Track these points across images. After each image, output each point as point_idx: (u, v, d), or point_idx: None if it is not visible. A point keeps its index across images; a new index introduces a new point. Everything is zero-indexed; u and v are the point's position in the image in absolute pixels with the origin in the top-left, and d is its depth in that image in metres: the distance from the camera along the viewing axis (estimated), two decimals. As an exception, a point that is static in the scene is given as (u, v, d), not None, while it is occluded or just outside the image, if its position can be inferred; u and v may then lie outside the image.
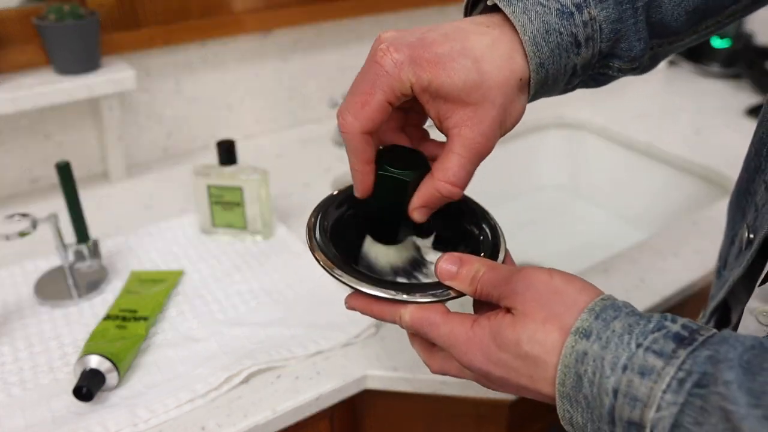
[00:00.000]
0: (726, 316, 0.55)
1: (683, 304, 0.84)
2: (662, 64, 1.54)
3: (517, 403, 0.71)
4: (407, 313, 0.40)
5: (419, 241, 0.48)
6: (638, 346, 0.32)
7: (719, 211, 0.96)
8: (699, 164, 1.15)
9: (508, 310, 0.38)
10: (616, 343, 0.33)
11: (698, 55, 1.52)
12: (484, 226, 0.46)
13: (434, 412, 0.74)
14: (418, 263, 0.47)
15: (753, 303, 0.45)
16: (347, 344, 0.71)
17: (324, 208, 0.46)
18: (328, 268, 0.41)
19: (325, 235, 0.44)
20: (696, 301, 0.86)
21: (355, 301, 0.42)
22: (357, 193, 0.43)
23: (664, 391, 0.31)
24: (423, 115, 0.45)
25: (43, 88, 0.90)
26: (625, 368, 0.32)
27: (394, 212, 0.43)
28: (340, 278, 0.41)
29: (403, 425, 0.76)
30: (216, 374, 0.65)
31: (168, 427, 0.61)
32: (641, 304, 0.78)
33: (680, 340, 0.32)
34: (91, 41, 0.94)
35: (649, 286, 0.81)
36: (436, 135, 0.45)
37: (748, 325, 0.45)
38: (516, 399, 0.70)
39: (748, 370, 0.29)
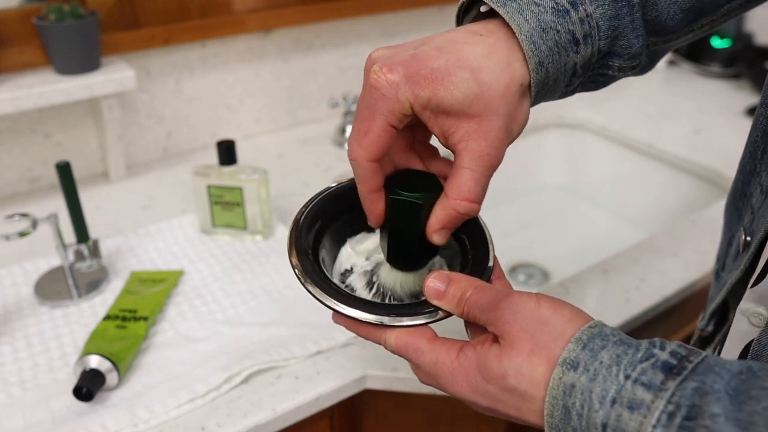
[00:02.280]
0: (725, 317, 0.55)
1: (683, 303, 0.85)
2: (662, 64, 1.54)
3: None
4: (392, 337, 0.40)
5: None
6: (627, 377, 0.32)
7: (719, 211, 0.96)
8: (699, 164, 1.15)
9: (496, 338, 0.37)
10: (604, 375, 0.32)
11: (698, 55, 1.52)
12: (473, 230, 0.45)
13: (434, 412, 0.74)
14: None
15: (745, 304, 0.45)
16: (347, 344, 0.71)
17: (304, 223, 0.44)
18: (316, 295, 0.40)
19: (311, 256, 0.43)
20: (696, 300, 0.86)
21: (341, 319, 0.41)
22: (371, 222, 0.42)
23: (654, 426, 0.30)
24: (428, 130, 0.44)
25: (43, 88, 0.90)
26: (613, 402, 0.31)
27: (410, 237, 0.42)
28: (326, 302, 0.40)
29: (403, 425, 0.76)
30: (216, 374, 0.65)
31: (168, 427, 0.61)
32: (641, 304, 0.78)
33: (669, 370, 0.31)
34: (91, 41, 0.94)
35: (649, 286, 0.81)
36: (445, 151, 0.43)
37: (741, 327, 0.45)
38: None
39: (735, 398, 0.29)
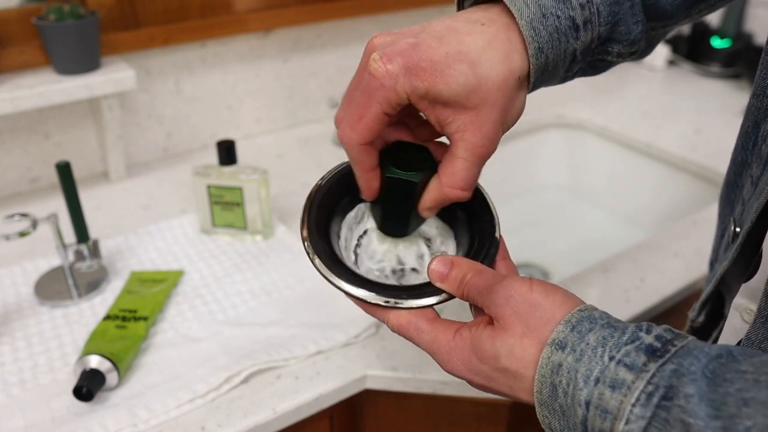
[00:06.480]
0: (720, 309, 0.55)
1: (683, 303, 0.84)
2: (662, 64, 1.54)
3: (517, 404, 0.71)
4: (395, 317, 0.41)
5: (427, 233, 0.48)
6: (611, 359, 0.33)
7: (719, 211, 0.96)
8: (699, 164, 1.15)
9: (491, 320, 0.38)
10: (589, 355, 0.33)
11: (698, 55, 1.52)
12: (481, 210, 0.46)
13: (434, 412, 0.74)
14: (425, 255, 0.47)
15: (739, 299, 0.46)
16: (347, 344, 0.71)
17: (316, 199, 0.46)
18: (325, 274, 0.42)
19: (321, 234, 0.44)
20: (696, 300, 0.85)
21: (348, 295, 0.43)
22: (365, 197, 0.44)
23: (633, 405, 0.31)
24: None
25: (43, 88, 0.90)
26: (597, 381, 0.33)
27: (402, 210, 0.44)
28: (332, 280, 0.41)
29: (403, 425, 0.76)
30: (216, 374, 0.65)
31: (168, 427, 0.61)
32: (641, 304, 0.78)
33: (652, 353, 0.32)
34: (91, 41, 0.94)
35: (649, 286, 0.81)
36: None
37: (734, 323, 0.46)
38: (516, 399, 0.70)
39: (712, 381, 0.30)
